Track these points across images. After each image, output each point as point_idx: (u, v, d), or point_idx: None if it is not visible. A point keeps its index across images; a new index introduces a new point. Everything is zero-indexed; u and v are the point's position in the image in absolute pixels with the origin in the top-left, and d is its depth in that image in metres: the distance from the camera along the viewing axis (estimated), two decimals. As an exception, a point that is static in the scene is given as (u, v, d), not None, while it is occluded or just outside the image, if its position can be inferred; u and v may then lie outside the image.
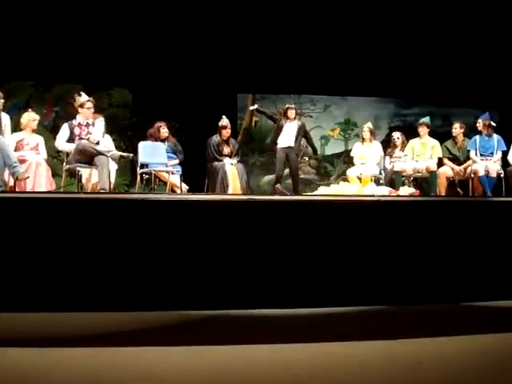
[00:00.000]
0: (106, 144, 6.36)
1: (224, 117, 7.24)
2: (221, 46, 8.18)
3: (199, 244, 3.75)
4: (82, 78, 7.98)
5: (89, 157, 5.89)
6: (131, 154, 6.37)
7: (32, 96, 8.40)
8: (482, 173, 6.77)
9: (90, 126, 6.18)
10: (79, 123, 6.18)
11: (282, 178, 7.55)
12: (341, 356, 2.81)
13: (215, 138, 7.17)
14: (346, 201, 4.72)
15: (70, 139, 6.10)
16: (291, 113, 7.46)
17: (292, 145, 7.37)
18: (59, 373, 2.54)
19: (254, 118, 9.21)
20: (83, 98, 6.29)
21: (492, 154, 6.97)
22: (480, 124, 7.07)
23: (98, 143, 6.08)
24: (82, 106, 6.22)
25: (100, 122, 6.32)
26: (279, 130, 7.44)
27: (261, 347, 2.93)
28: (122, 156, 6.12)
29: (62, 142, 6.17)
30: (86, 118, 6.21)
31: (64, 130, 6.17)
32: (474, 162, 6.94)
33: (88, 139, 6.03)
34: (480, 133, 7.08)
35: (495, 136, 7.05)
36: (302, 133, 7.55)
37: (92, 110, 6.30)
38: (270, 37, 8.16)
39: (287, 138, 7.37)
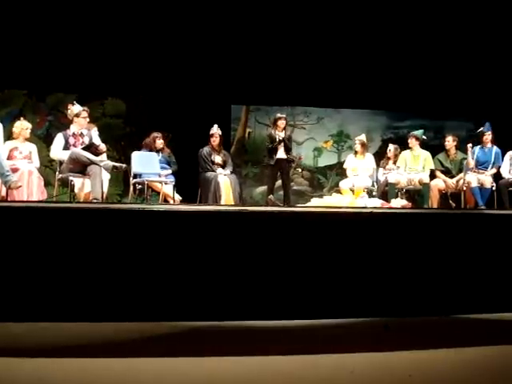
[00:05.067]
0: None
1: (215, 125, 7.27)
2: (215, 57, 8.20)
3: (192, 254, 3.74)
4: (76, 88, 7.98)
5: (82, 166, 5.88)
6: (124, 165, 6.36)
7: (25, 105, 8.38)
8: (474, 184, 6.80)
9: (84, 136, 6.19)
10: (73, 133, 6.18)
11: (274, 190, 7.54)
12: (333, 368, 2.81)
13: (206, 149, 7.18)
14: (338, 212, 4.74)
15: (65, 149, 6.10)
16: (282, 123, 7.44)
17: (283, 156, 7.37)
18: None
19: (247, 130, 9.23)
20: (76, 108, 6.29)
21: (486, 168, 6.98)
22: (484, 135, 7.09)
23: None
24: (77, 115, 6.23)
25: (94, 131, 6.33)
26: (271, 142, 7.38)
27: (254, 359, 2.92)
28: (114, 166, 6.12)
29: (57, 152, 6.15)
30: (80, 128, 6.21)
31: (59, 140, 6.16)
32: (468, 169, 6.91)
33: (98, 147, 6.07)
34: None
35: (494, 149, 7.02)
36: (291, 142, 7.58)
37: (87, 120, 6.33)
38: (264, 48, 8.19)
39: (279, 150, 7.35)
